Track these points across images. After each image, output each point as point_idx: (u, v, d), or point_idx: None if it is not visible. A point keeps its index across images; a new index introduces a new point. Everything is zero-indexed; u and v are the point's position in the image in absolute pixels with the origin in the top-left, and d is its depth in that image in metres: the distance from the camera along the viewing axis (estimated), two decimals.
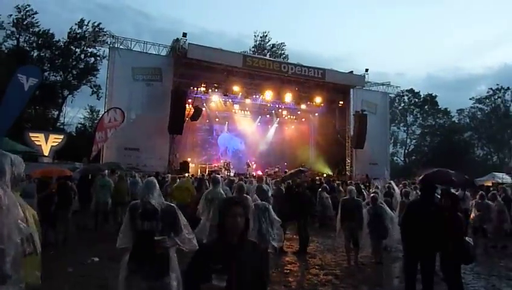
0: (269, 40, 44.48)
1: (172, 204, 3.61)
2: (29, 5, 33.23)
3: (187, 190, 9.07)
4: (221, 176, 17.00)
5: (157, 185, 3.57)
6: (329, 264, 7.73)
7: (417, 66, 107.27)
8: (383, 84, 29.37)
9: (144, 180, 3.96)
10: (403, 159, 52.58)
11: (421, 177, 7.47)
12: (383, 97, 29.41)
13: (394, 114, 47.93)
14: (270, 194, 9.34)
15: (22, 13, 32.98)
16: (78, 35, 34.76)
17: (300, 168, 19.33)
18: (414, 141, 52.82)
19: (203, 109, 25.61)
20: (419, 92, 51.16)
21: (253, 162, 27.01)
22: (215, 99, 25.64)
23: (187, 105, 22.99)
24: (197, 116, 24.40)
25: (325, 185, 13.48)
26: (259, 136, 29.12)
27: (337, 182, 16.61)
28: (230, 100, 26.20)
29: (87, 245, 8.37)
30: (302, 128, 30.53)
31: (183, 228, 3.51)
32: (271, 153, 28.84)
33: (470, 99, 51.22)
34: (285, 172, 22.45)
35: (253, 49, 43.19)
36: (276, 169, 25.48)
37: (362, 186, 14.42)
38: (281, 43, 44.46)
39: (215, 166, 25.27)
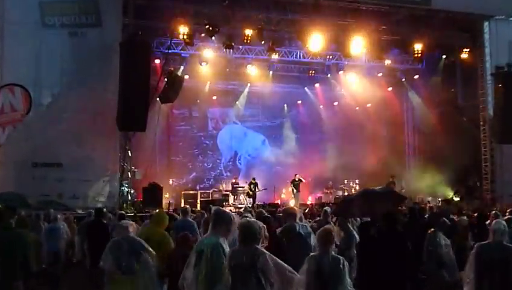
0: None
1: None
2: None
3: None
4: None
5: None
6: None
7: None
8: None
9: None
10: None
11: None
12: None
13: None
14: (313, 242, 9.10)
15: None
16: None
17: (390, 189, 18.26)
18: None
19: (186, 76, 24.83)
20: None
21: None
22: (209, 57, 24.40)
23: (153, 71, 22.32)
24: (173, 94, 23.43)
25: (443, 219, 11.90)
26: (298, 126, 29.72)
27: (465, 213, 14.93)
28: (239, 56, 25.20)
29: None
30: (387, 105, 29.53)
31: None
32: (325, 159, 28.25)
33: None
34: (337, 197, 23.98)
35: None
36: (340, 192, 26.09)
37: None
38: None
39: (214, 191, 25.90)
